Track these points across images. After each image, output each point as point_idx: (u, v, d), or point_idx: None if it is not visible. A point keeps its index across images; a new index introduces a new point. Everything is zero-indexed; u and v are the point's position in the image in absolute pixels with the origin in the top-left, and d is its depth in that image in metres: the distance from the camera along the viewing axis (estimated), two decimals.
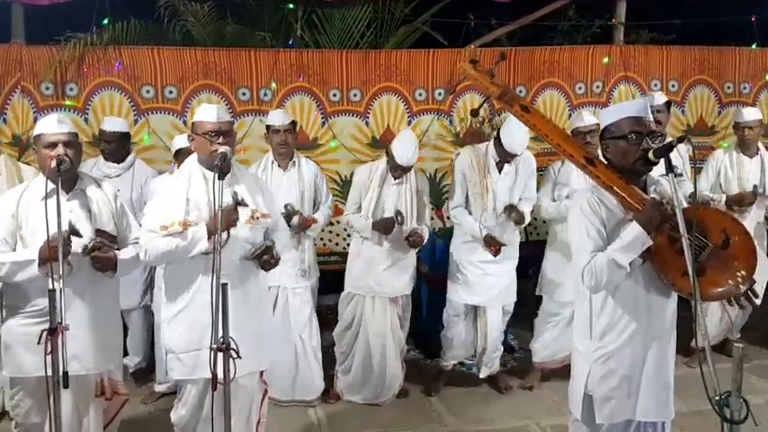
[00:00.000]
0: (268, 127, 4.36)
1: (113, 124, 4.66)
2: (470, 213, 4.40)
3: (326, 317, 4.86)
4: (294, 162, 4.35)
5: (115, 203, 3.14)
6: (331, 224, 5.47)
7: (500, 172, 4.35)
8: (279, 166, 4.33)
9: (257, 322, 3.10)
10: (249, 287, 3.08)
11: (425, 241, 4.38)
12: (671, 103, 4.98)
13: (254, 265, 3.05)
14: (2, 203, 3.01)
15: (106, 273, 3.00)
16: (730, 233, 2.53)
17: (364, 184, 4.37)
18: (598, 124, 4.46)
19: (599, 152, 2.81)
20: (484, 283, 4.43)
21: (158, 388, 4.47)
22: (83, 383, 3.03)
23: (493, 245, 4.31)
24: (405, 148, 4.20)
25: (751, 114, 4.97)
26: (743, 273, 2.49)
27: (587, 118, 4.48)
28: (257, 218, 3.06)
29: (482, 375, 4.65)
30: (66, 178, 2.93)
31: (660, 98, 4.83)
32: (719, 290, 2.54)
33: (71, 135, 2.98)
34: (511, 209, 4.32)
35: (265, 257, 3.01)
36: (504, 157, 4.28)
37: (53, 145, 2.92)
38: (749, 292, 2.53)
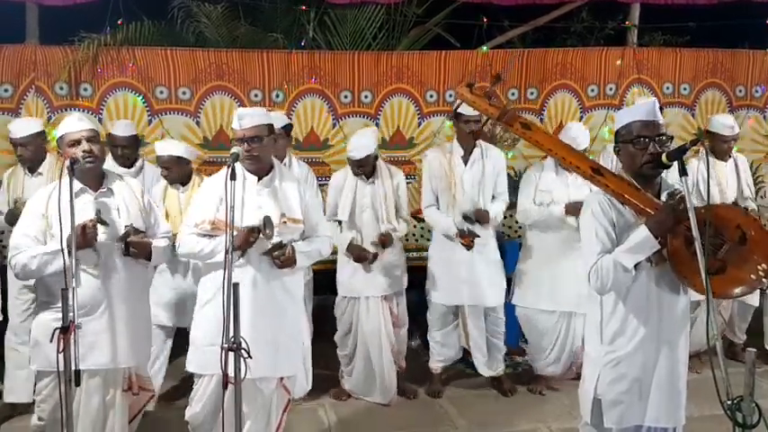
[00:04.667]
0: None
1: (125, 128, 4.51)
2: (452, 212, 4.39)
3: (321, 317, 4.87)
4: (286, 164, 4.31)
5: (142, 199, 3.20)
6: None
7: (465, 164, 4.37)
8: None
9: (277, 327, 3.11)
10: (272, 290, 3.10)
11: (402, 233, 4.41)
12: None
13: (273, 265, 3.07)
14: (32, 203, 3.08)
15: (140, 260, 3.07)
16: (745, 228, 2.52)
17: (340, 187, 4.37)
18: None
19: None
20: (462, 283, 4.41)
21: None
22: (113, 377, 3.08)
23: (465, 237, 4.31)
24: (355, 140, 4.26)
25: (728, 128, 4.86)
26: (764, 266, 2.48)
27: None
28: (284, 222, 3.09)
29: (485, 375, 4.63)
30: (93, 176, 3.05)
31: None
32: (743, 285, 2.53)
33: (92, 131, 3.04)
34: (466, 219, 4.31)
35: (276, 254, 3.03)
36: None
37: (77, 142, 2.98)
38: None
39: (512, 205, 4.70)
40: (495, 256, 4.51)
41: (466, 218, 4.33)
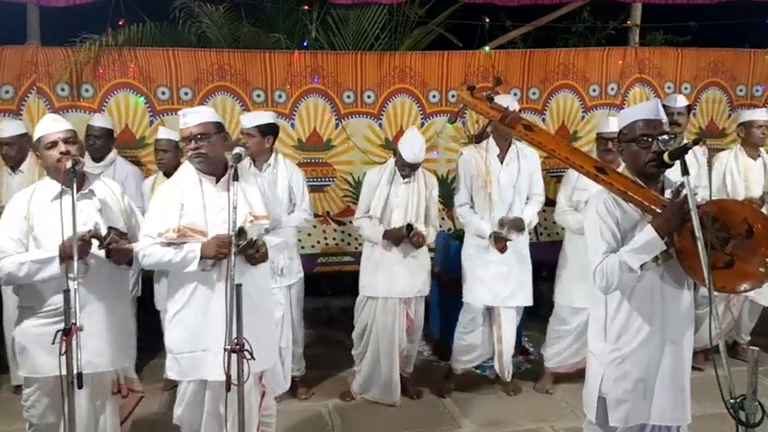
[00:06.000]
0: None
1: (102, 120, 4.81)
2: (487, 213, 4.40)
3: (339, 318, 4.87)
4: (269, 164, 4.34)
5: (123, 200, 3.17)
6: (343, 224, 5.50)
7: (501, 163, 4.38)
8: (255, 166, 4.35)
9: (254, 322, 3.03)
10: (247, 285, 3.06)
11: (431, 240, 4.42)
12: (691, 107, 4.95)
13: (245, 262, 3.02)
14: (13, 205, 3.03)
15: (122, 265, 3.03)
16: (752, 221, 2.52)
17: (373, 186, 4.38)
18: None
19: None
20: (497, 283, 4.42)
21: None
22: (99, 381, 3.06)
23: (499, 241, 4.32)
24: (412, 145, 4.23)
25: (762, 114, 4.96)
26: None
27: (612, 124, 4.46)
28: (251, 220, 3.05)
29: (504, 378, 4.62)
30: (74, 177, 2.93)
31: (681, 101, 4.82)
32: (751, 279, 2.52)
33: (69, 132, 3.00)
34: (501, 226, 4.32)
35: (250, 252, 2.99)
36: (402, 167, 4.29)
37: (53, 144, 2.95)
38: None
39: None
40: (526, 256, 4.52)
41: (502, 224, 4.33)
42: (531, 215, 4.43)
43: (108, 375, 3.11)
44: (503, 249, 4.35)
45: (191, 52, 5.31)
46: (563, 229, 4.76)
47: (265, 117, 4.39)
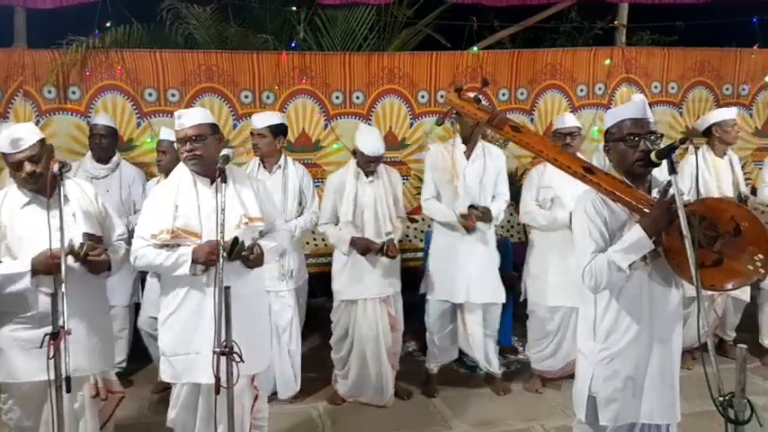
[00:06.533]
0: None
1: (106, 119, 4.76)
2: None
3: (329, 319, 4.85)
4: (279, 165, 4.36)
5: (97, 203, 3.12)
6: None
7: (467, 159, 4.38)
8: (264, 168, 4.36)
9: (248, 325, 3.05)
10: (240, 289, 3.06)
11: (401, 235, 4.41)
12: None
13: (240, 265, 3.02)
14: None
15: (100, 276, 3.01)
16: (739, 219, 2.52)
17: (338, 189, 4.33)
18: (579, 127, 4.53)
19: (579, 154, 2.82)
20: (460, 281, 4.39)
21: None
22: (78, 386, 3.03)
23: (467, 218, 4.29)
24: (370, 139, 4.24)
25: (733, 113, 4.97)
26: (760, 256, 2.48)
27: (568, 120, 4.52)
28: (246, 222, 3.04)
29: (487, 371, 4.63)
30: (43, 186, 2.85)
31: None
32: (740, 277, 2.53)
33: (31, 149, 2.86)
34: (472, 208, 4.30)
35: (245, 254, 2.97)
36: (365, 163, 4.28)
37: (19, 165, 2.87)
38: None
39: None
40: (493, 253, 4.50)
41: (472, 206, 4.30)
42: (497, 210, 4.40)
43: (86, 379, 3.09)
44: (472, 229, 4.32)
45: (178, 54, 5.30)
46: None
47: (276, 117, 4.43)
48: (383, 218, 4.31)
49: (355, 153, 4.33)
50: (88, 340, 3.03)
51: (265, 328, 3.42)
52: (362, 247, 4.25)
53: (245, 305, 3.03)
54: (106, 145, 4.64)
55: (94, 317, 3.09)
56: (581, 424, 2.83)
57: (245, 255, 2.98)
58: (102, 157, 4.64)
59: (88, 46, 5.07)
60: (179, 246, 2.97)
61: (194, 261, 2.92)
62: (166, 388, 4.26)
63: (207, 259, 2.89)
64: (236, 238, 2.89)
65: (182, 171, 3.10)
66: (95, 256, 2.90)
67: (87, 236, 2.96)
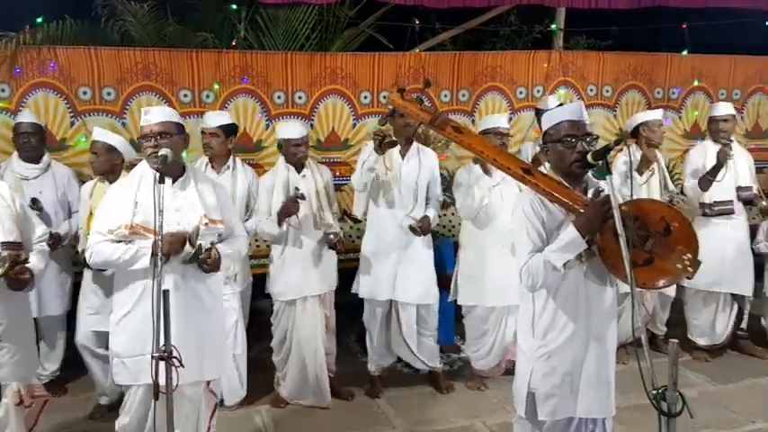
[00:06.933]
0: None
1: (31, 116, 4.54)
2: (388, 207, 4.39)
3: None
4: (228, 166, 4.32)
5: (15, 206, 3.03)
6: None
7: (403, 159, 4.41)
8: (213, 168, 4.31)
9: (203, 330, 3.03)
10: (196, 293, 3.02)
11: (336, 228, 4.39)
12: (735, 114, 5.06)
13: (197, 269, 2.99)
14: None
15: (24, 290, 2.95)
16: (669, 220, 2.62)
17: (270, 189, 4.28)
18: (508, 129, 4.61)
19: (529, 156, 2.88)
20: (392, 279, 4.40)
21: (102, 400, 4.33)
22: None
23: (418, 228, 4.32)
24: (291, 125, 4.31)
25: (658, 114, 5.12)
26: (689, 255, 2.58)
27: (499, 120, 4.57)
28: (206, 224, 3.01)
29: (422, 369, 4.65)
30: None
31: (727, 108, 4.93)
32: (670, 275, 2.62)
33: None
34: (412, 228, 4.33)
35: (202, 257, 2.95)
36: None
37: None
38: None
39: (444, 205, 4.73)
40: (427, 253, 4.52)
41: (412, 229, 4.33)
42: (434, 216, 4.45)
43: (9, 388, 3.03)
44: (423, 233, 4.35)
45: (114, 51, 5.14)
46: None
47: (227, 117, 4.39)
48: (319, 211, 4.29)
49: (281, 147, 4.30)
50: (9, 349, 2.97)
51: (222, 333, 3.37)
52: (285, 209, 4.15)
53: (204, 308, 3.02)
54: (35, 143, 4.42)
55: (15, 326, 3.02)
56: (521, 419, 2.88)
57: (202, 258, 2.95)
58: (33, 156, 4.42)
59: (18, 42, 4.87)
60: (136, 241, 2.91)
61: (154, 253, 2.84)
62: (103, 414, 4.23)
63: (168, 250, 2.84)
64: (197, 228, 2.89)
65: (143, 168, 3.05)
66: (18, 274, 2.85)
67: (6, 245, 2.87)
